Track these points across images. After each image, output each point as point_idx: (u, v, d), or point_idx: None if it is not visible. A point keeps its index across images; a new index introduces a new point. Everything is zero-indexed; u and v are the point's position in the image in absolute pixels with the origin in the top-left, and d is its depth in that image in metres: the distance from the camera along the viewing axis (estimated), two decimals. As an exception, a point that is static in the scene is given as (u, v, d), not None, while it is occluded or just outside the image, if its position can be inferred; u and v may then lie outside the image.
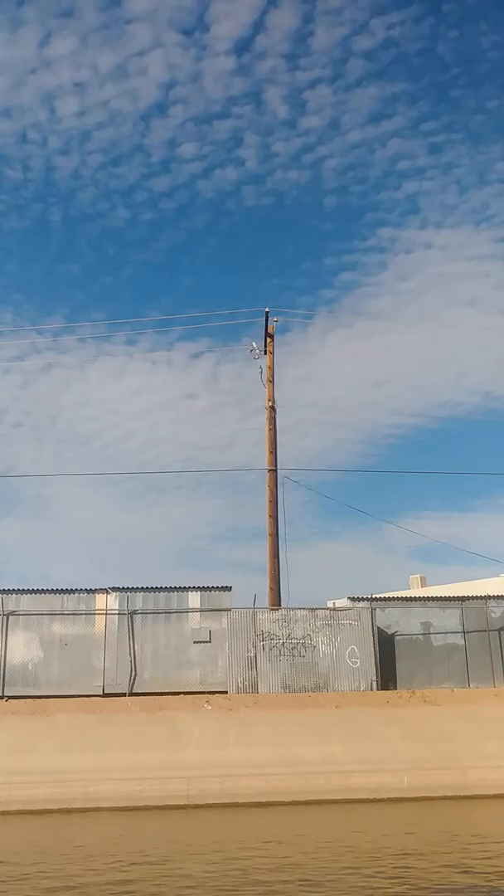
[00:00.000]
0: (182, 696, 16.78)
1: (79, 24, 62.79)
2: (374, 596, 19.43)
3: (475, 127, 67.67)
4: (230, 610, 18.19)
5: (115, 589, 18.27)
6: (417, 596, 22.41)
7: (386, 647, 18.61)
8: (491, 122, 68.00)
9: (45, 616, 17.92)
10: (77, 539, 64.60)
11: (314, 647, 17.84)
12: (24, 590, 18.14)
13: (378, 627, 18.48)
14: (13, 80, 63.63)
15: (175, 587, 18.42)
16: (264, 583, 20.48)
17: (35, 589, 18.18)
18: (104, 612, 18.05)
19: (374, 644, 18.00)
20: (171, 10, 64.58)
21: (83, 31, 62.30)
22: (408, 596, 22.98)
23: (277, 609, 18.82)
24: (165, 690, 17.26)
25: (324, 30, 66.28)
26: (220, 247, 75.10)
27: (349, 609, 18.46)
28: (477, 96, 69.46)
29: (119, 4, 65.58)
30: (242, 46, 66.99)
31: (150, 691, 17.27)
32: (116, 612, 18.07)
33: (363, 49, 66.55)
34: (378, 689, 17.58)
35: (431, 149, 66.93)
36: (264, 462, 21.75)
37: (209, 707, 16.02)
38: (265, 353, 22.73)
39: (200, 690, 17.31)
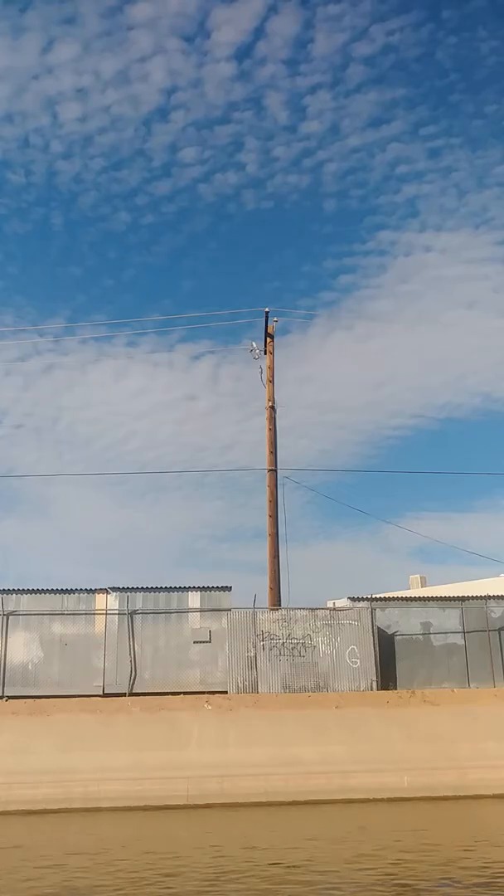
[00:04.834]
0: (182, 696, 16.78)
1: (81, 30, 62.99)
2: (374, 596, 19.43)
3: (474, 131, 67.83)
4: (230, 610, 18.19)
5: (115, 589, 18.27)
6: (417, 596, 22.40)
7: (386, 647, 18.61)
8: (489, 126, 68.16)
9: (45, 616, 17.92)
10: (77, 539, 64.64)
11: (314, 647, 17.84)
12: (24, 590, 18.14)
13: (378, 627, 18.48)
14: (16, 86, 63.79)
15: (175, 587, 18.42)
16: (264, 583, 20.50)
17: (35, 589, 18.18)
18: (104, 612, 18.05)
19: (374, 644, 18.00)
20: (173, 16, 64.77)
21: (85, 38, 62.47)
22: (408, 596, 22.98)
23: (277, 609, 18.82)
24: (165, 690, 17.25)
25: (324, 36, 66.43)
26: (220, 250, 75.25)
27: (349, 609, 18.45)
28: (476, 101, 69.65)
29: (121, 11, 65.78)
30: (243, 52, 67.15)
31: (150, 691, 17.27)
32: (116, 612, 18.07)
33: (363, 55, 66.72)
34: (378, 689, 17.58)
35: (431, 153, 67.05)
36: (264, 462, 21.75)
37: (209, 707, 16.02)
38: (265, 354, 22.74)
39: (200, 690, 17.31)
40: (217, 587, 18.50)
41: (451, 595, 20.31)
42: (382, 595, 21.20)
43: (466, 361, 64.47)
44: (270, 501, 21.16)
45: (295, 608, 18.44)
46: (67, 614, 17.98)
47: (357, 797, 13.89)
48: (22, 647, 17.66)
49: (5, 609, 17.87)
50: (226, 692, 17.31)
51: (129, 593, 18.23)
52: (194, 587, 18.46)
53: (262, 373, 22.72)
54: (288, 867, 9.79)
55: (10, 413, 64.97)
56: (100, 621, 18.00)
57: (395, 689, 17.94)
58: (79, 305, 69.50)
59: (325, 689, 17.46)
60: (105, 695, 17.13)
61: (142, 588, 18.33)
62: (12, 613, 17.90)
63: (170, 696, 16.72)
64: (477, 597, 19.83)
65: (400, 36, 65.88)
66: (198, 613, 18.25)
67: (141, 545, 61.67)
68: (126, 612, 18.08)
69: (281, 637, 17.86)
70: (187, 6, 65.56)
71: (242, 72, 67.81)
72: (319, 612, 18.32)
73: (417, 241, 66.15)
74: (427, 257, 64.92)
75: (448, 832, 11.82)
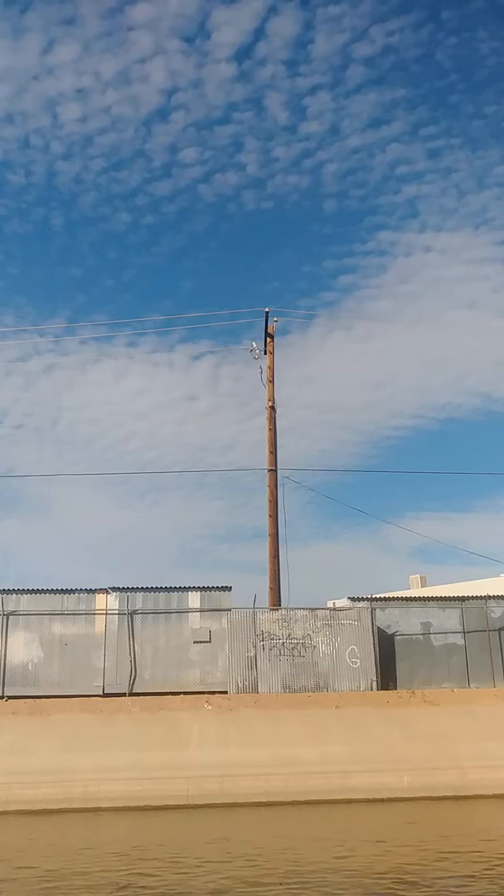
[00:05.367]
0: (182, 696, 16.78)
1: (81, 31, 63.07)
2: (374, 596, 19.42)
3: (474, 132, 67.89)
4: (230, 610, 18.19)
5: (115, 589, 18.27)
6: (417, 596, 22.40)
7: (386, 647, 18.60)
8: (489, 126, 68.22)
9: (45, 616, 17.92)
10: (77, 539, 64.67)
11: (314, 647, 17.83)
12: (24, 590, 18.14)
13: (378, 627, 18.48)
14: (16, 86, 63.86)
15: (175, 587, 18.42)
16: (264, 583, 20.50)
17: (35, 589, 18.18)
18: (104, 612, 18.05)
19: (374, 644, 17.99)
20: (173, 17, 64.83)
21: (85, 39, 62.56)
22: (408, 596, 22.97)
23: (277, 609, 18.82)
24: (165, 690, 17.25)
25: (324, 37, 66.42)
26: (220, 250, 75.31)
27: (349, 609, 18.45)
28: (475, 102, 69.72)
29: (121, 12, 65.85)
30: (243, 53, 67.18)
31: (150, 691, 17.26)
32: (116, 612, 18.07)
33: (363, 56, 66.76)
34: (378, 689, 17.58)
35: (430, 153, 67.10)
36: (264, 462, 21.75)
37: (209, 707, 16.02)
38: (265, 354, 22.74)
39: (200, 690, 17.31)
40: (217, 587, 18.50)
41: (451, 595, 20.30)
42: (382, 595, 21.20)
43: (466, 361, 64.54)
44: (270, 501, 21.16)
45: (295, 608, 18.44)
46: (67, 614, 17.98)
47: (357, 797, 13.89)
48: (22, 647, 17.66)
49: (5, 609, 17.87)
50: (226, 692, 17.31)
51: (129, 593, 18.22)
52: (194, 587, 18.46)
53: (262, 373, 22.73)
54: (285, 869, 9.79)
55: (11, 413, 65.04)
56: (100, 621, 18.00)
57: (395, 689, 17.94)
58: (79, 305, 69.60)
59: (325, 689, 17.45)
60: (105, 695, 17.13)
61: (142, 588, 18.33)
62: (12, 613, 17.90)
63: (170, 696, 16.71)
64: (477, 597, 19.83)
65: (400, 37, 65.98)
66: (198, 613, 18.25)
67: (141, 545, 61.70)
68: (126, 612, 18.08)
69: (281, 637, 17.86)
70: (187, 7, 65.64)
71: (242, 72, 67.88)
72: (319, 612, 18.32)
73: (417, 242, 66.23)
74: (427, 257, 65.00)
75: (445, 832, 11.81)
